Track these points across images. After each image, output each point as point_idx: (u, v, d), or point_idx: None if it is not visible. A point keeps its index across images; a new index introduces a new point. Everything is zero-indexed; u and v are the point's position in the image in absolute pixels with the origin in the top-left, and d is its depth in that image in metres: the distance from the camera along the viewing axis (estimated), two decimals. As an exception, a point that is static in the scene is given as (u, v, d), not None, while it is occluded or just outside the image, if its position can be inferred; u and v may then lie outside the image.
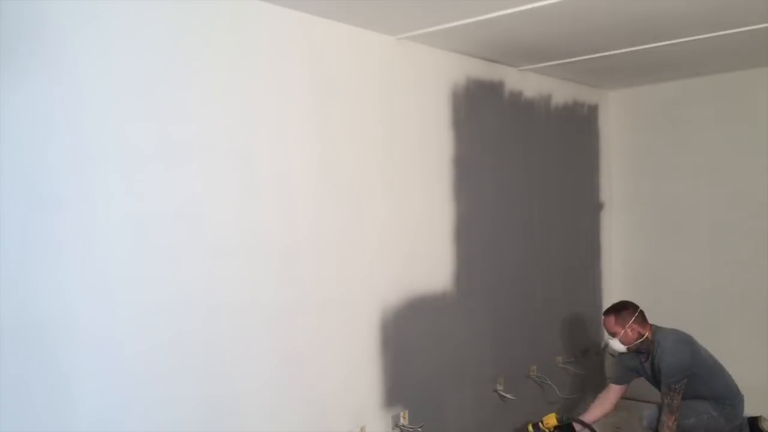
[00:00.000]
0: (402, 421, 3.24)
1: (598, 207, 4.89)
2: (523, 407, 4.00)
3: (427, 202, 3.43)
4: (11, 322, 1.98)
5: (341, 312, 2.98)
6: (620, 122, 4.96)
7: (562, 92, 4.46)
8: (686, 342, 3.50)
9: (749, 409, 3.54)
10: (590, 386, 4.53)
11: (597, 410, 3.73)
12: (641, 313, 3.55)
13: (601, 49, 3.65)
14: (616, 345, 3.54)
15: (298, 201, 2.81)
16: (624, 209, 4.93)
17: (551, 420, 3.67)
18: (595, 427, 3.69)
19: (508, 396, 3.84)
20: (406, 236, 3.31)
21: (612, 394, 3.73)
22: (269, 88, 2.70)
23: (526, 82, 4.13)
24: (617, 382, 3.73)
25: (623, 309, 3.56)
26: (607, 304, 4.88)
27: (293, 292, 2.78)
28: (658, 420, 3.47)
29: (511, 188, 4.00)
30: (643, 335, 3.49)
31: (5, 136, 1.97)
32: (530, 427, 3.72)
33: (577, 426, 3.70)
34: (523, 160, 4.10)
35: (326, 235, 2.92)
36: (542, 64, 3.97)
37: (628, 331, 3.48)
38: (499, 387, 3.85)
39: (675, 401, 3.38)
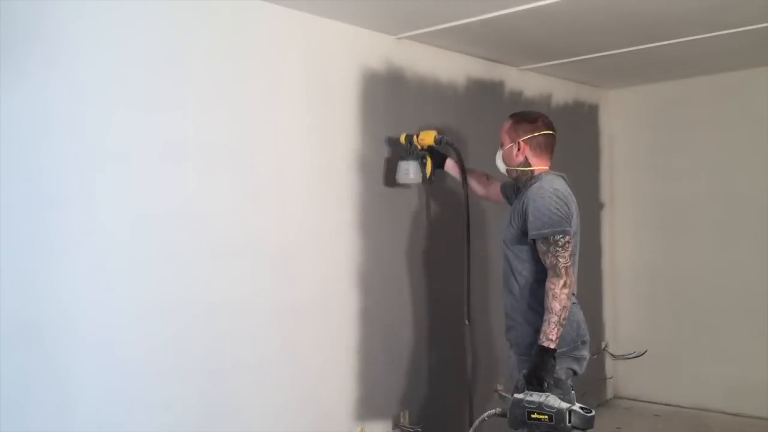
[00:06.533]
0: (402, 421, 3.23)
1: (599, 207, 4.89)
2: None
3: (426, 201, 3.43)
4: (11, 323, 1.97)
5: (341, 311, 2.98)
6: (620, 122, 4.96)
7: (562, 92, 4.46)
8: (569, 203, 2.47)
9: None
10: (590, 386, 4.52)
11: (476, 176, 3.09)
12: (548, 137, 2.62)
13: (601, 49, 3.66)
14: (497, 160, 2.68)
15: (297, 200, 2.81)
16: (624, 209, 4.94)
17: (428, 137, 3.00)
18: (468, 179, 3.02)
19: (509, 396, 3.83)
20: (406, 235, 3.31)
21: (493, 185, 3.04)
22: (268, 88, 2.70)
23: (526, 81, 4.12)
24: (503, 186, 2.93)
25: (525, 120, 2.63)
26: (607, 304, 4.91)
27: (293, 292, 2.78)
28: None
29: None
30: (530, 166, 2.59)
31: (3, 136, 1.97)
32: (403, 138, 3.04)
33: (449, 163, 3.09)
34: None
35: (327, 234, 2.92)
36: (542, 64, 3.97)
37: (515, 148, 2.59)
38: (500, 387, 3.85)
39: (561, 260, 2.35)
